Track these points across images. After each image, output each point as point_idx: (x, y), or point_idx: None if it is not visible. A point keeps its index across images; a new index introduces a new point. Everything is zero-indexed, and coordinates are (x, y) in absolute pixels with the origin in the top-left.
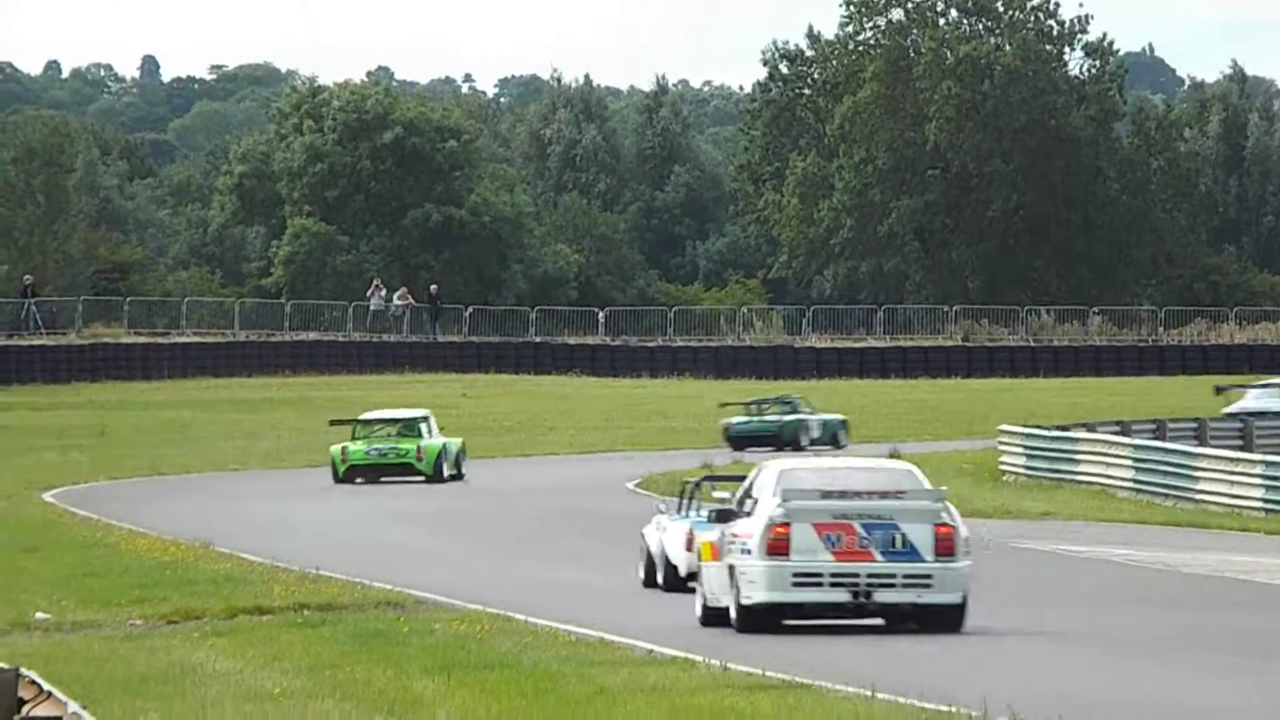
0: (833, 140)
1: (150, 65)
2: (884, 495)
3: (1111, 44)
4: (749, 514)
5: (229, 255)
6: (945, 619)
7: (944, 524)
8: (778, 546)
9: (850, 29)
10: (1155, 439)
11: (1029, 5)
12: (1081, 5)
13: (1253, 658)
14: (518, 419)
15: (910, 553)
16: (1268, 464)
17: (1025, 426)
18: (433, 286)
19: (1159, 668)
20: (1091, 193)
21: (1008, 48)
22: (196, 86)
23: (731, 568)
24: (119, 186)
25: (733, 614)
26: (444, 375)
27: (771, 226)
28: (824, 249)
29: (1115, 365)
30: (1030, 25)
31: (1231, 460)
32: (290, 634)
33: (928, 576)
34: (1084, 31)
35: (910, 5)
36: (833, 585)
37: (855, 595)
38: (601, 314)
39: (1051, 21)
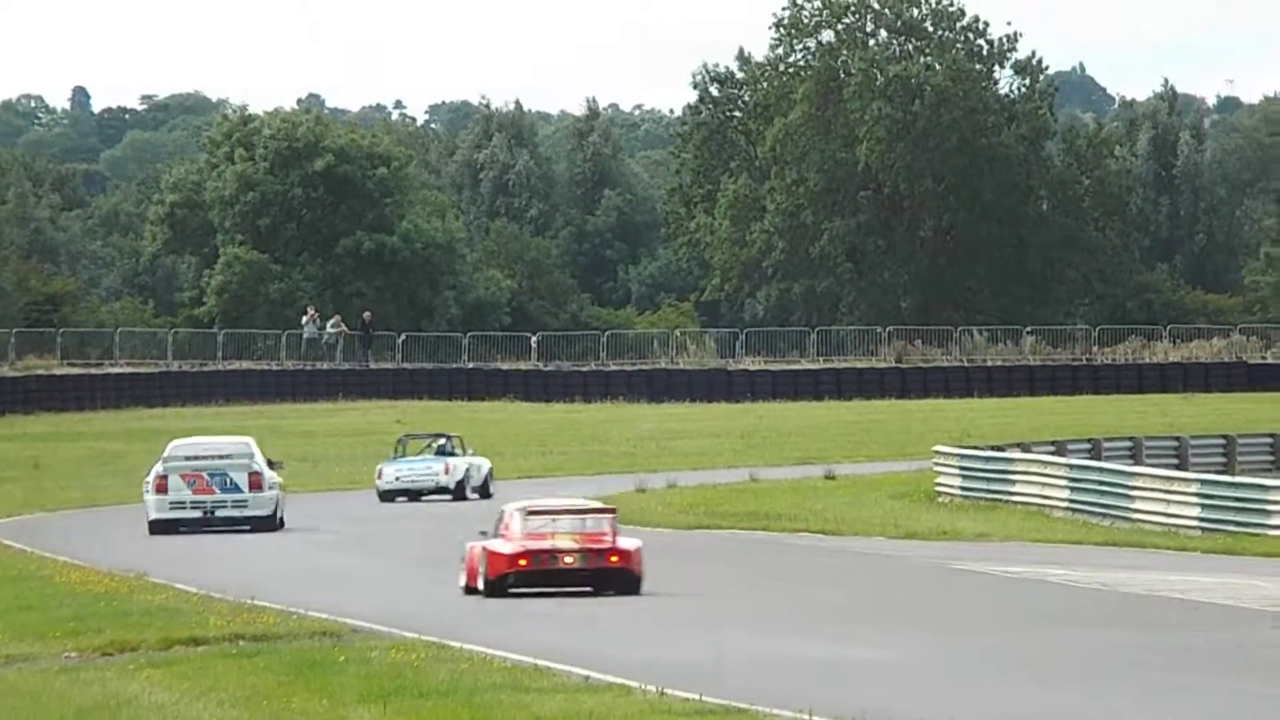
0: (764, 162)
1: (81, 96)
2: None
3: (1041, 62)
4: None
5: (161, 285)
6: None
7: None
8: None
9: (780, 51)
10: (1091, 458)
11: (958, 25)
12: (1010, 24)
13: (1190, 676)
14: None
15: None
16: (1203, 483)
17: (960, 447)
18: (366, 314)
19: (1097, 688)
20: (1023, 212)
21: (938, 67)
22: (127, 116)
23: None
24: (50, 218)
25: None
26: (378, 402)
27: (703, 249)
28: (756, 271)
29: (1049, 385)
30: (960, 45)
31: (1167, 479)
32: (226, 664)
33: None
34: (1013, 50)
35: (840, 27)
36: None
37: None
38: (534, 339)
39: (981, 41)
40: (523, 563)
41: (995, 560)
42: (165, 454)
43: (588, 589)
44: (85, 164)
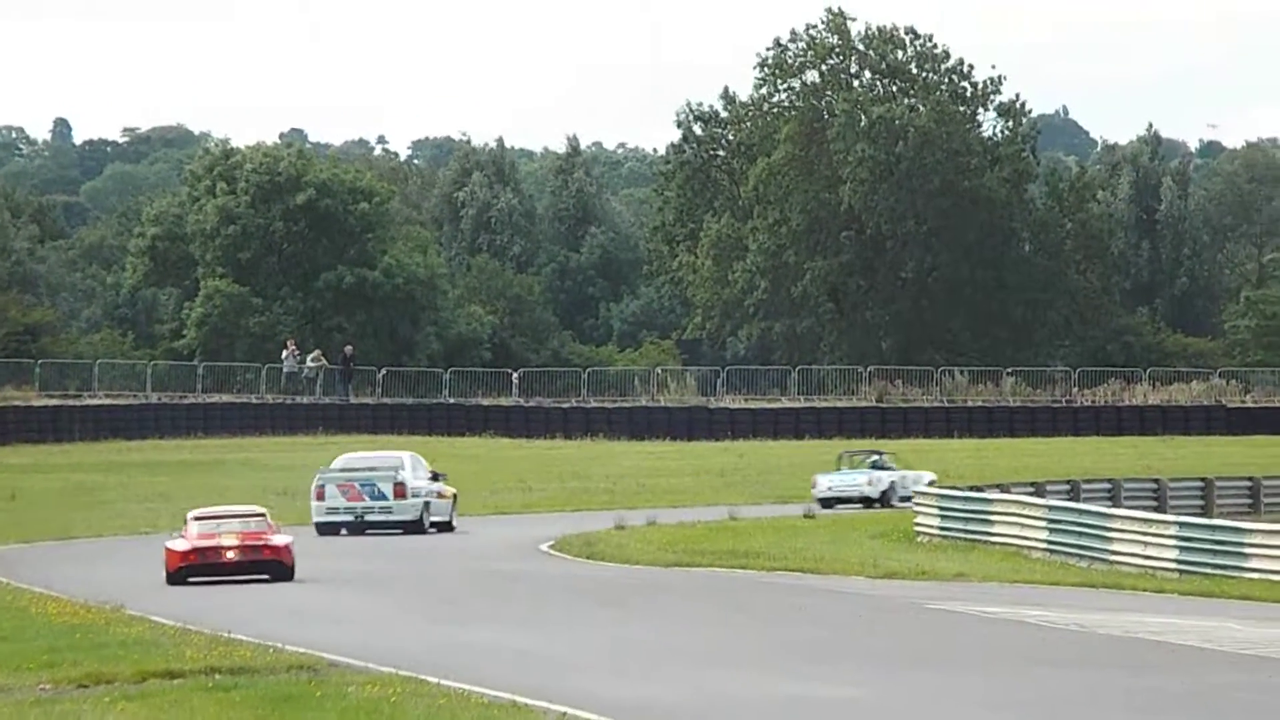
0: (747, 202)
1: (62, 128)
2: None
3: (1024, 105)
4: None
5: (141, 317)
6: None
7: None
8: None
9: (764, 91)
10: (1069, 500)
11: (942, 67)
12: (994, 67)
13: (1166, 718)
14: None
15: None
16: (1181, 524)
17: (939, 487)
18: (347, 348)
19: None
20: (1005, 254)
21: (921, 109)
22: (109, 149)
23: None
24: (30, 249)
25: None
26: (357, 437)
27: (685, 287)
28: (738, 310)
29: (1029, 426)
30: (944, 87)
31: (1145, 521)
32: (202, 698)
33: None
34: (997, 93)
35: (824, 68)
36: None
37: None
38: (515, 375)
39: (965, 83)
40: (193, 558)
41: (972, 600)
42: (329, 467)
43: (249, 576)
44: (66, 195)
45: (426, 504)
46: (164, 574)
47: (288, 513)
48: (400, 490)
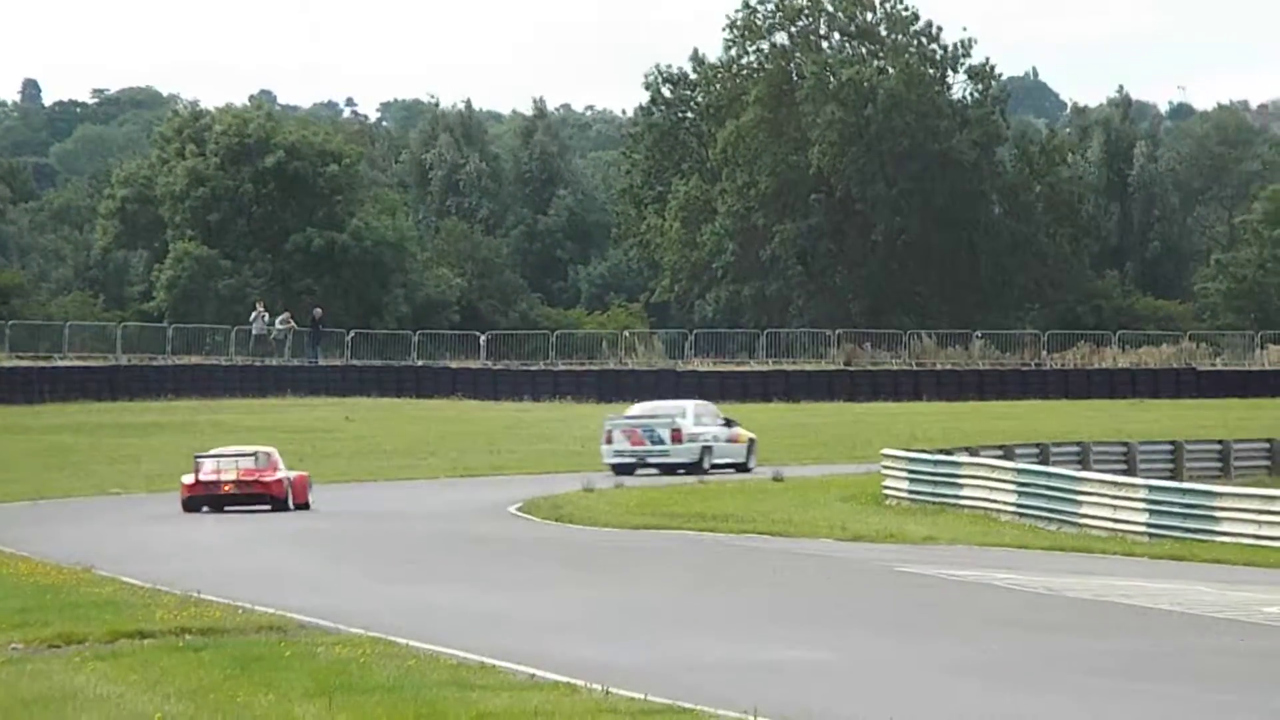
0: (715, 164)
1: (31, 89)
2: None
3: (994, 68)
4: None
5: (111, 279)
6: None
7: None
8: None
9: (733, 53)
10: (1038, 463)
11: (912, 29)
12: (965, 30)
13: (1136, 681)
14: (400, 443)
15: None
16: (1150, 488)
17: (908, 450)
18: (317, 310)
19: (1043, 692)
20: (974, 217)
21: (891, 71)
22: (78, 110)
23: None
24: (0, 210)
25: None
26: (326, 399)
27: (654, 250)
28: (706, 273)
29: (998, 389)
30: (913, 49)
31: (1114, 484)
32: (172, 658)
33: None
34: (967, 56)
35: (793, 29)
36: None
37: None
38: (483, 338)
39: (934, 45)
40: (199, 489)
41: (941, 563)
42: (620, 414)
43: (249, 506)
44: (35, 157)
45: (708, 448)
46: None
47: None
48: (677, 435)
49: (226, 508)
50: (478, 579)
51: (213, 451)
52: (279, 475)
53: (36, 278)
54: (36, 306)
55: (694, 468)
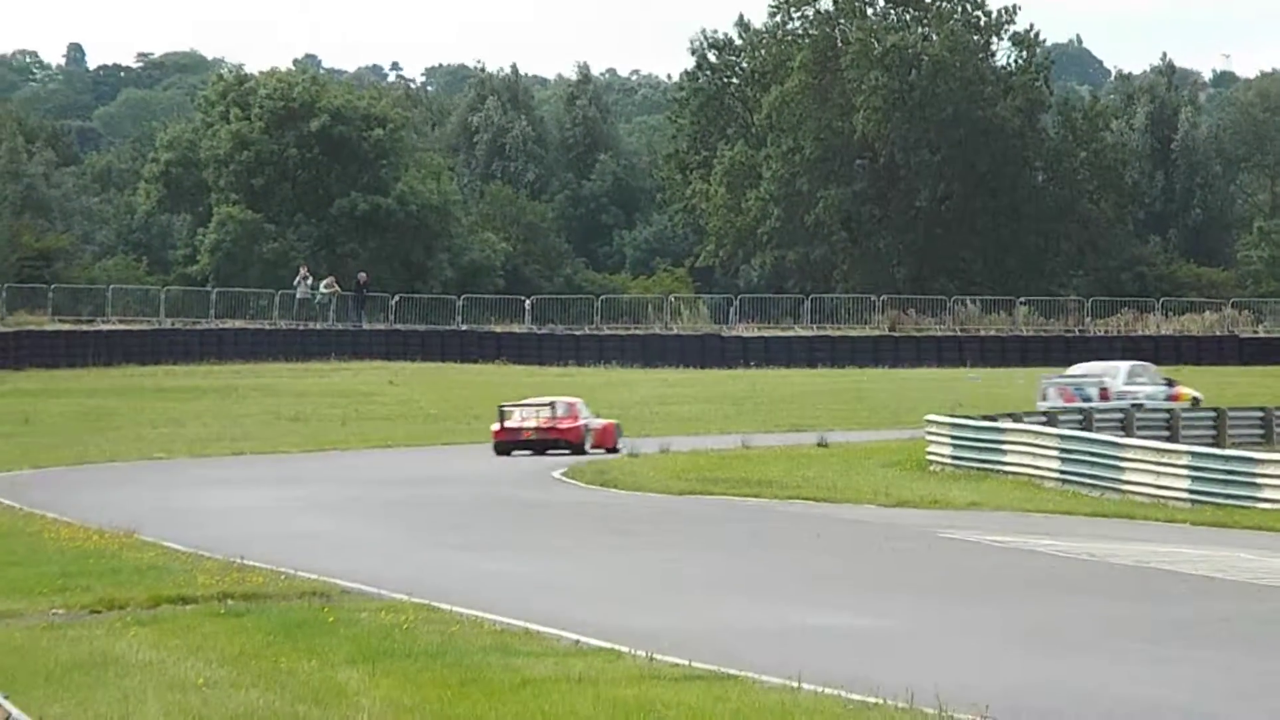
0: (760, 130)
1: (76, 53)
2: None
3: (1038, 35)
4: None
5: (155, 243)
6: None
7: None
8: None
9: (779, 18)
10: (1082, 429)
11: None
12: None
13: (1177, 647)
14: (444, 407)
15: None
16: (1194, 454)
17: (952, 416)
18: (361, 274)
19: (1085, 658)
20: (1018, 183)
21: (935, 38)
22: (123, 74)
23: None
24: (44, 174)
25: None
26: (370, 363)
27: (698, 215)
28: (751, 238)
29: (1042, 355)
30: (957, 16)
31: (1158, 451)
32: (214, 624)
33: None
34: (1011, 22)
35: None
36: None
37: None
38: (528, 302)
39: (979, 12)
40: (502, 435)
41: (984, 529)
42: (1058, 374)
43: (547, 450)
44: (80, 121)
45: (1138, 405)
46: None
47: (302, 439)
48: (1104, 394)
49: (521, 453)
50: (521, 545)
51: (517, 402)
52: (578, 423)
53: (80, 241)
54: (80, 270)
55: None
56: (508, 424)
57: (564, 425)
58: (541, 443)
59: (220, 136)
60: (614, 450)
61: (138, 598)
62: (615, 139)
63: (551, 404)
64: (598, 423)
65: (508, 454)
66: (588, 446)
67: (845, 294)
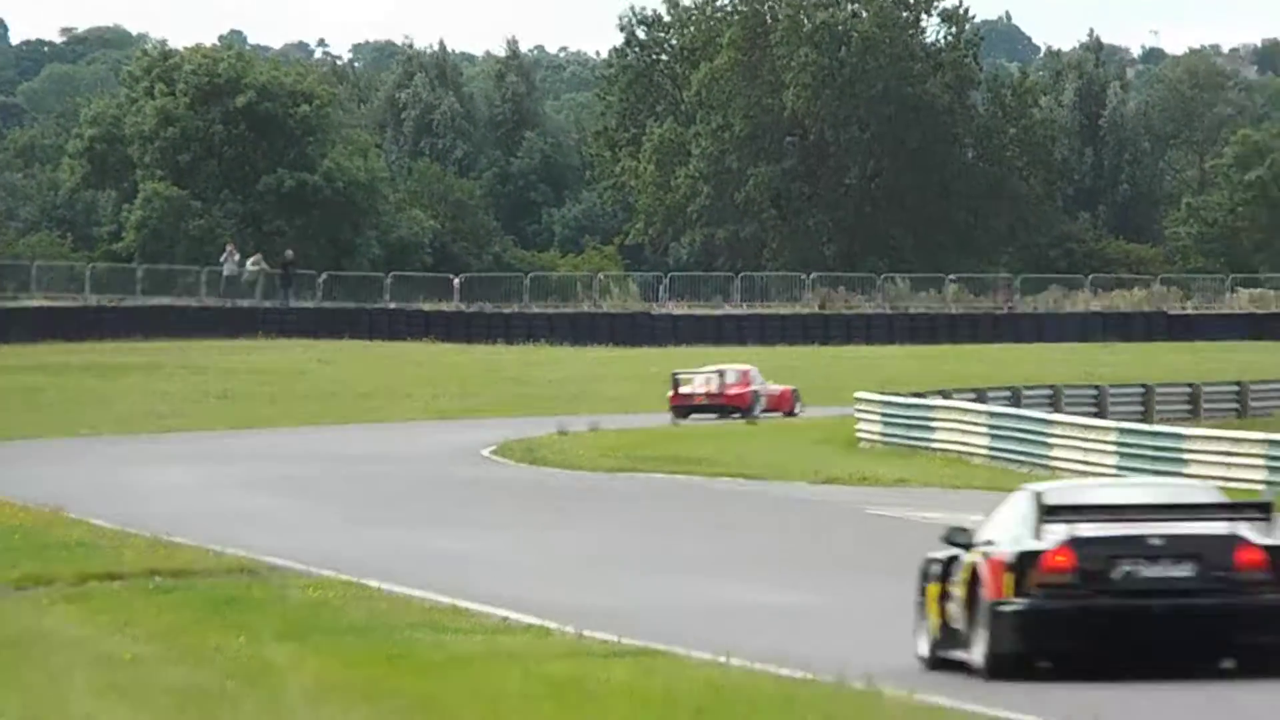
0: (690, 107)
1: None
2: None
3: (968, 11)
4: None
5: (80, 219)
6: None
7: None
8: None
9: None
10: (1010, 406)
11: None
12: None
13: None
14: (372, 385)
15: None
16: (1121, 430)
17: (881, 394)
18: (288, 252)
19: None
20: (948, 160)
21: (864, 15)
22: (46, 49)
23: None
24: None
25: None
26: (298, 341)
27: (628, 193)
28: (680, 216)
29: (971, 333)
30: None
31: (1086, 427)
32: (142, 600)
33: None
34: None
35: None
36: None
37: None
38: (457, 280)
39: None
40: (675, 400)
41: (914, 506)
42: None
43: (721, 414)
44: (2, 96)
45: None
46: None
47: (229, 418)
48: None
49: (700, 416)
50: (451, 522)
51: (691, 370)
52: (749, 389)
53: (3, 217)
54: (3, 246)
55: None
56: (682, 390)
57: (734, 391)
58: (713, 408)
59: (145, 113)
60: (791, 414)
61: (65, 574)
62: (544, 116)
63: (721, 371)
64: (773, 388)
65: (685, 417)
66: (758, 411)
67: (775, 272)
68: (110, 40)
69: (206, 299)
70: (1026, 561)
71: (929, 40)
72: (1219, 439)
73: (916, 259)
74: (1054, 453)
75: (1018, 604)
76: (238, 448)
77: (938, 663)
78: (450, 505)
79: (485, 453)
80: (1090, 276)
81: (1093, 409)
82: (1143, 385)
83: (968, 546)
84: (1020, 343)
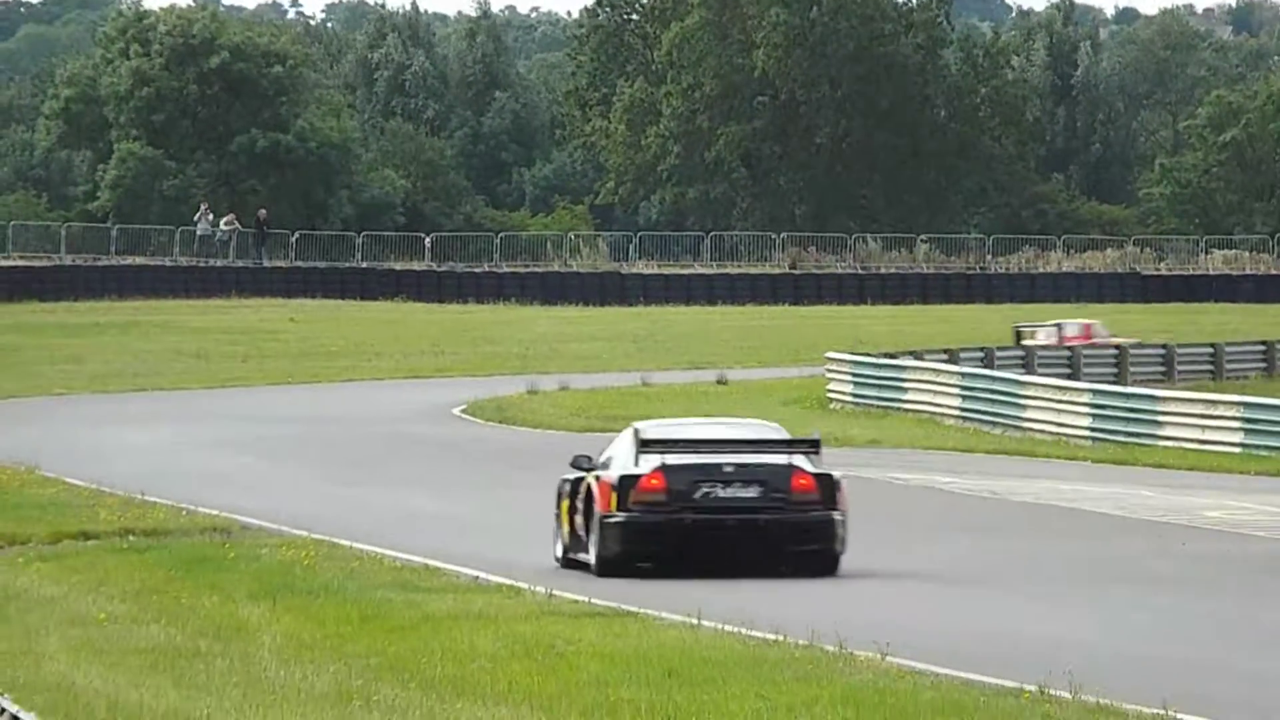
0: (660, 66)
1: None
2: None
3: None
4: None
5: (55, 179)
6: None
7: None
8: None
9: None
10: (983, 367)
11: None
12: None
13: (1081, 585)
14: (344, 344)
15: None
16: (1095, 392)
17: (852, 354)
18: (261, 211)
19: (986, 596)
20: (919, 120)
21: None
22: (22, 9)
23: None
24: None
25: None
26: (270, 300)
27: (598, 153)
28: (651, 175)
29: (943, 293)
30: None
31: (1059, 389)
32: (116, 559)
33: None
34: None
35: None
36: None
37: None
38: (428, 240)
39: None
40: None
41: (886, 467)
42: None
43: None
44: None
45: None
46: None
47: (202, 376)
48: None
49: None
50: (421, 481)
51: (1033, 323)
52: (1089, 342)
53: None
54: None
55: None
56: (1024, 343)
57: (1098, 340)
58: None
59: (120, 73)
60: None
61: (39, 534)
62: (515, 76)
63: (1059, 325)
64: (1127, 342)
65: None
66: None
67: (745, 231)
68: (86, 1)
69: (180, 259)
70: (627, 483)
71: (900, 0)
72: (1193, 400)
73: (887, 219)
74: (1026, 414)
75: (620, 517)
76: (212, 407)
77: (569, 563)
78: (420, 464)
79: (456, 412)
80: (1063, 237)
81: (1066, 371)
82: (1116, 347)
83: (589, 470)
84: (992, 303)
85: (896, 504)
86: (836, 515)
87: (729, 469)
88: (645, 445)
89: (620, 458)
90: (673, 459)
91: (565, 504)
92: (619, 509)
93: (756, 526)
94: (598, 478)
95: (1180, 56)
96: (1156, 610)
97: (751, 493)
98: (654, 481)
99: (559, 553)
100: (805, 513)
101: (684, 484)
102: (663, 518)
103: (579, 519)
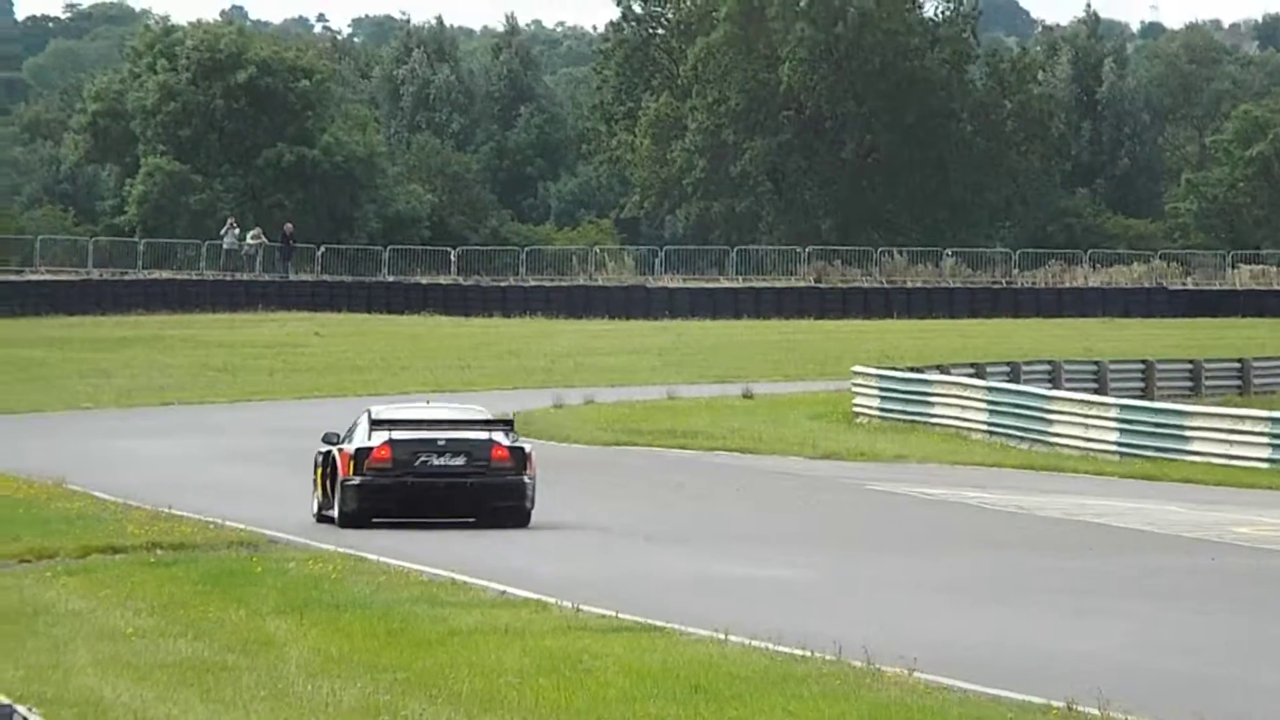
0: (686, 81)
1: (4, 3)
2: None
3: None
4: None
5: (82, 193)
6: None
7: None
8: None
9: None
10: (1009, 382)
11: None
12: None
13: (1107, 600)
14: (370, 358)
15: None
16: (1122, 407)
17: (878, 368)
18: (287, 225)
19: (1014, 611)
20: (945, 135)
21: None
22: (51, 25)
23: None
24: None
25: None
26: (297, 314)
27: (624, 167)
28: (676, 189)
29: (969, 307)
30: None
31: (1086, 403)
32: (143, 573)
33: None
34: None
35: None
36: None
37: None
38: (454, 254)
39: None
40: None
41: (912, 481)
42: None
43: None
44: (8, 72)
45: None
46: None
47: (229, 390)
48: None
49: None
50: None
51: None
52: None
53: (8, 191)
54: (7, 220)
55: None
56: None
57: None
58: None
59: (147, 88)
60: None
61: (67, 547)
62: (541, 91)
63: None
64: None
65: None
66: None
67: (771, 245)
68: (114, 16)
69: (207, 273)
70: (363, 454)
71: (926, 15)
72: (1221, 415)
73: (913, 233)
74: (1054, 429)
75: (356, 480)
76: (238, 421)
77: (322, 519)
78: None
79: None
80: (1089, 251)
81: (1093, 385)
82: (1143, 361)
83: (336, 444)
84: (1019, 317)
85: (922, 518)
86: (526, 479)
87: (442, 442)
88: (376, 424)
89: (358, 434)
90: (398, 435)
91: (319, 471)
92: (356, 474)
93: (464, 488)
94: (340, 450)
95: (1206, 71)
96: (1185, 626)
97: (459, 461)
98: (382, 453)
99: (315, 509)
100: (502, 477)
101: (406, 454)
102: (390, 481)
103: (328, 484)
